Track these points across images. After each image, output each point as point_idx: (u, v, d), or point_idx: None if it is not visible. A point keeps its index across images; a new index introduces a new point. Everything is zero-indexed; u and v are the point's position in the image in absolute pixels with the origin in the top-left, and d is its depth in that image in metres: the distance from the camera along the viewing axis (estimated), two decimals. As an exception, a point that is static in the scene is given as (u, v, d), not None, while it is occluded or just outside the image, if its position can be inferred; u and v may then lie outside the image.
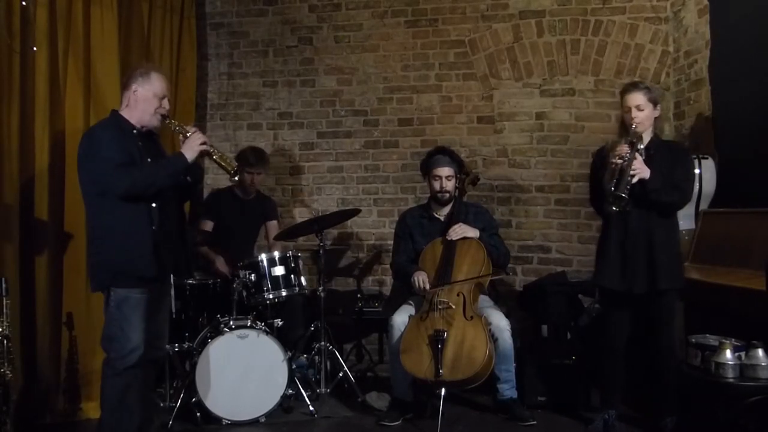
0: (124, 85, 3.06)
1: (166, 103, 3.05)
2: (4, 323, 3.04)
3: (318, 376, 4.11)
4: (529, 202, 4.77)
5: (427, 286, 3.62)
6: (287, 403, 3.78)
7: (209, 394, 3.56)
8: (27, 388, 3.44)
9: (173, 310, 3.70)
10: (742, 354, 2.91)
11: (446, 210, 3.91)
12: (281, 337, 3.81)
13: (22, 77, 3.44)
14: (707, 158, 3.88)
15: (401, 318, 3.66)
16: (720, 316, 3.24)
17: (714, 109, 4.03)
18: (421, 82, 4.92)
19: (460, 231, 3.72)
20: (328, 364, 4.16)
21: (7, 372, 3.03)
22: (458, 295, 3.56)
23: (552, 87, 4.73)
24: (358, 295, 4.71)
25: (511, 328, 3.63)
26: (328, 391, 4.06)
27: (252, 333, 3.66)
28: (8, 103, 3.37)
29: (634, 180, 3.10)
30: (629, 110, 3.21)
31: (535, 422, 3.56)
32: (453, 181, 3.85)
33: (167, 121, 3.08)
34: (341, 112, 5.04)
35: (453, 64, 4.87)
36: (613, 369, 3.39)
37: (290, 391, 3.75)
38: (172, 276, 3.44)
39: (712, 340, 3.06)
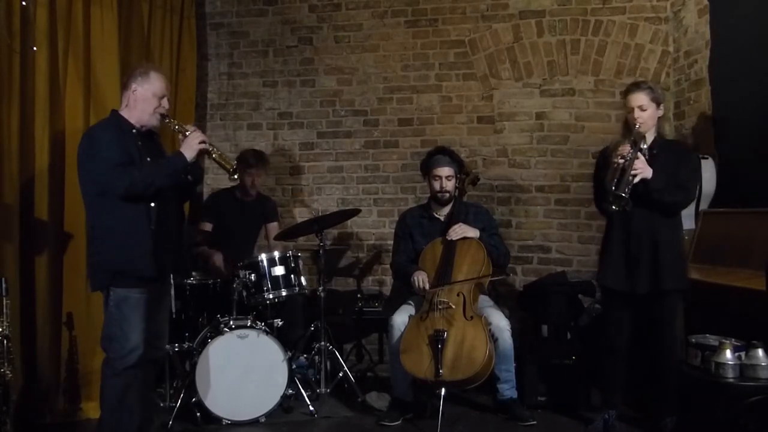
0: (124, 85, 3.07)
1: (165, 102, 3.06)
2: (4, 323, 3.04)
3: (318, 376, 4.11)
4: (529, 202, 4.77)
5: (427, 286, 3.62)
6: (287, 403, 3.78)
7: (209, 394, 3.56)
8: (27, 388, 3.44)
9: (173, 310, 3.71)
10: (742, 354, 2.91)
11: (446, 210, 3.91)
12: (281, 337, 3.81)
13: (22, 77, 3.44)
14: (707, 158, 3.88)
15: (401, 318, 3.66)
16: (720, 316, 3.24)
17: (714, 109, 4.02)
18: (421, 82, 4.92)
19: (460, 231, 3.72)
20: (328, 364, 4.16)
21: (7, 372, 3.03)
22: (458, 295, 3.56)
23: (552, 87, 4.73)
24: (358, 295, 4.71)
25: (511, 328, 3.63)
26: (328, 391, 4.06)
27: (252, 333, 3.66)
28: (8, 103, 3.37)
29: (636, 180, 3.10)
30: (632, 110, 3.22)
31: (535, 422, 3.56)
32: (453, 181, 3.85)
33: (167, 121, 3.08)
34: (341, 112, 5.04)
35: (453, 64, 4.87)
36: (613, 369, 3.39)
37: (290, 391, 3.75)
38: (171, 276, 3.44)
39: (712, 340, 3.06)
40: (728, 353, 2.89)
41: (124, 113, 3.02)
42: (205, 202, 4.71)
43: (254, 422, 3.62)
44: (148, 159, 2.98)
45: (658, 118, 3.28)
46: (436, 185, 3.86)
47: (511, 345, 3.60)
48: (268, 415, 3.64)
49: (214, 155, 3.07)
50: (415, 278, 3.67)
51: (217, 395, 3.57)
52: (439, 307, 3.53)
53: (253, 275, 3.85)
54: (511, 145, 4.79)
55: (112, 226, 2.90)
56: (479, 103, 4.84)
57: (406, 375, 3.55)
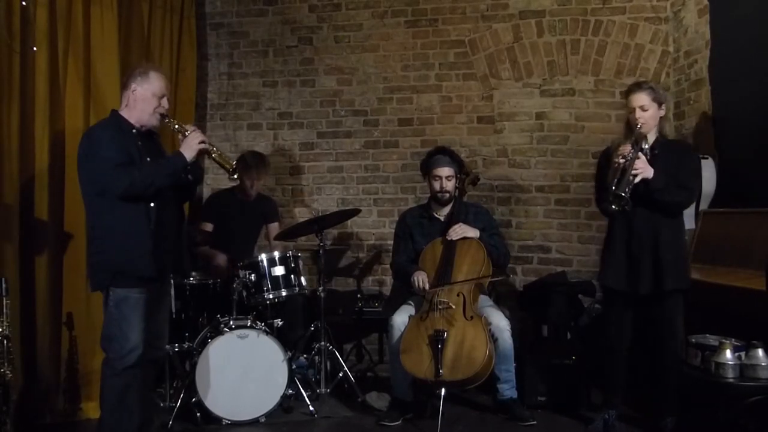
0: (124, 85, 3.07)
1: (165, 102, 3.06)
2: (4, 323, 3.04)
3: (318, 376, 4.11)
4: (529, 202, 4.77)
5: (427, 286, 3.62)
6: (287, 403, 3.78)
7: (209, 394, 3.56)
8: (27, 388, 3.44)
9: (173, 310, 3.72)
10: (742, 354, 2.91)
11: (446, 210, 3.91)
12: (281, 337, 3.81)
13: (22, 77, 3.44)
14: (707, 158, 3.88)
15: (401, 318, 3.66)
16: (720, 316, 3.24)
17: (714, 109, 4.02)
18: (421, 82, 4.91)
19: (460, 231, 3.72)
20: (328, 364, 4.16)
21: (7, 372, 3.03)
22: (458, 295, 3.56)
23: (552, 87, 4.73)
24: (358, 295, 4.71)
25: (511, 328, 3.63)
26: (328, 391, 4.06)
27: (252, 333, 3.66)
28: (8, 103, 3.37)
29: (637, 180, 3.10)
30: (633, 110, 3.22)
31: (535, 422, 3.56)
32: (453, 181, 3.85)
33: (166, 121, 3.08)
34: (341, 112, 5.04)
35: (453, 64, 4.87)
36: (613, 369, 3.39)
37: (290, 391, 3.76)
38: (171, 276, 3.44)
39: (712, 340, 3.06)
40: (728, 353, 2.89)
41: (124, 113, 3.03)
42: (206, 202, 4.71)
43: (254, 422, 3.62)
44: (148, 159, 2.99)
45: (660, 118, 3.29)
46: (436, 185, 3.85)
47: (511, 345, 3.60)
48: (268, 415, 3.64)
49: (213, 155, 3.08)
50: (415, 278, 3.67)
51: (217, 395, 3.57)
52: (439, 307, 3.53)
53: (253, 275, 3.85)
54: (511, 145, 4.79)
55: (112, 226, 2.90)
56: (479, 103, 4.84)
57: (406, 375, 3.55)
